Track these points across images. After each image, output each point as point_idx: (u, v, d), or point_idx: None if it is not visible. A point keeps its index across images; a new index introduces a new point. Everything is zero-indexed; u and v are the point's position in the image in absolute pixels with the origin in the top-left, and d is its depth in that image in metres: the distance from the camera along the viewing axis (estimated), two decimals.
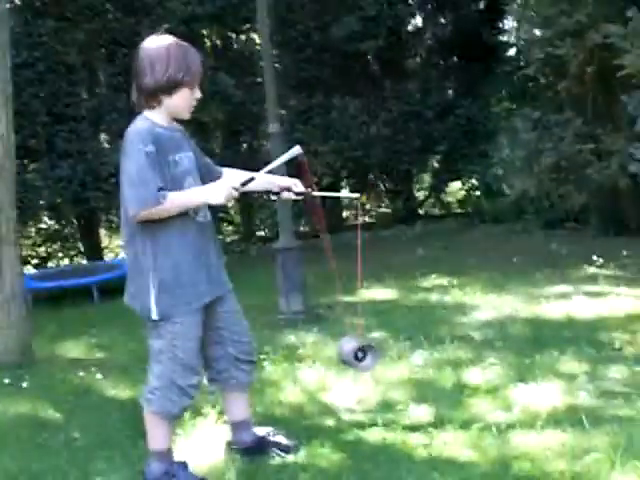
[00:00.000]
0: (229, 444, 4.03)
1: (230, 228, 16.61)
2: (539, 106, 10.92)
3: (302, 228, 14.50)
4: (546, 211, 11.37)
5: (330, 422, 4.35)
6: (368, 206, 18.74)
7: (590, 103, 10.29)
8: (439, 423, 4.13)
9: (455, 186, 17.55)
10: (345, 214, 17.92)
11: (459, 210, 16.54)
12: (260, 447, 3.94)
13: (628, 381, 4.66)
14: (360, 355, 3.79)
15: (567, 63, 10.00)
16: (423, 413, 4.34)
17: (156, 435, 3.74)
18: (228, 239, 15.80)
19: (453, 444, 3.89)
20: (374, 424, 4.21)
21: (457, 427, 4.08)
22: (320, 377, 5.17)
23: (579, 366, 4.98)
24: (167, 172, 3.49)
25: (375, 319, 6.75)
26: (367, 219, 18.48)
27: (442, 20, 17.16)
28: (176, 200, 3.47)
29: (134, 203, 3.41)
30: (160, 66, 3.49)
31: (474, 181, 16.02)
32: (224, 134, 15.80)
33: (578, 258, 8.44)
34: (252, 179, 3.68)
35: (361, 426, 4.22)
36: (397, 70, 16.65)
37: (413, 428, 4.11)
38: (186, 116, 3.65)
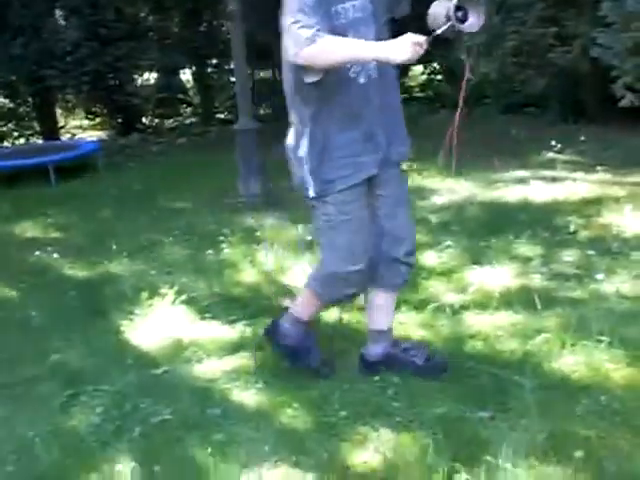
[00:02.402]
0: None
1: (189, 110, 16.37)
2: None
3: (262, 111, 14.33)
4: (506, 95, 11.29)
5: (288, 302, 4.38)
6: None
7: None
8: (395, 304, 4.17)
9: (417, 70, 17.35)
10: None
11: (420, 94, 16.39)
12: (388, 364, 3.52)
13: (581, 264, 4.74)
14: (460, 14, 3.06)
15: None
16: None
17: (306, 308, 3.54)
18: (187, 121, 15.58)
19: (408, 324, 3.96)
20: None
21: (412, 308, 4.14)
22: (278, 259, 5.19)
23: (533, 249, 5.05)
24: (332, 22, 3.03)
25: None
26: None
27: None
28: (342, 45, 2.98)
29: (294, 45, 2.96)
30: None
31: (436, 65, 15.83)
32: (182, 13, 15.38)
33: (537, 143, 8.43)
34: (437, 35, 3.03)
35: None
36: None
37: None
38: None
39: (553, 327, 3.76)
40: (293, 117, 3.26)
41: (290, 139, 3.30)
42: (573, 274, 4.56)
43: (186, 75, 17.05)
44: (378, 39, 3.07)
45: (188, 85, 17.12)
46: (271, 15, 3.40)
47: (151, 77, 16.41)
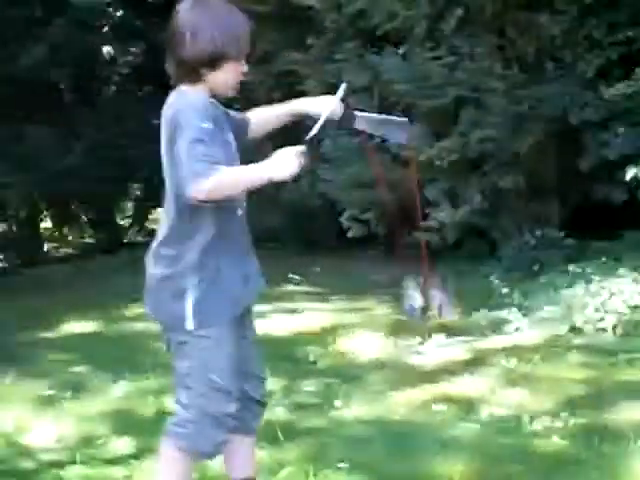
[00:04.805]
0: None
1: None
2: None
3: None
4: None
5: (27, 464, 4.20)
6: (70, 237, 18.25)
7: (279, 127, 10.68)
8: (140, 453, 4.11)
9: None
10: (46, 247, 17.35)
11: None
12: None
13: (321, 392, 4.89)
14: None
15: (256, 89, 10.34)
16: (124, 445, 4.31)
17: (171, 473, 3.11)
18: None
19: (154, 472, 3.90)
20: (73, 461, 4.12)
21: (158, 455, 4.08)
22: (17, 418, 4.98)
23: (276, 382, 5.15)
24: (222, 155, 2.88)
25: (77, 354, 6.58)
26: (71, 250, 18.00)
27: (134, 49, 17.18)
28: (239, 175, 2.87)
29: (188, 179, 2.75)
30: (200, 35, 2.91)
31: None
32: None
33: (276, 277, 8.70)
34: (315, 136, 2.91)
35: (60, 465, 4.11)
36: (91, 99, 16.43)
37: (114, 461, 4.07)
38: (230, 93, 3.05)
39: (296, 459, 3.84)
40: (174, 247, 3.01)
41: (163, 269, 3.04)
42: (314, 403, 4.70)
43: None
44: None
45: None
46: None
47: None
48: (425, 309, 2.98)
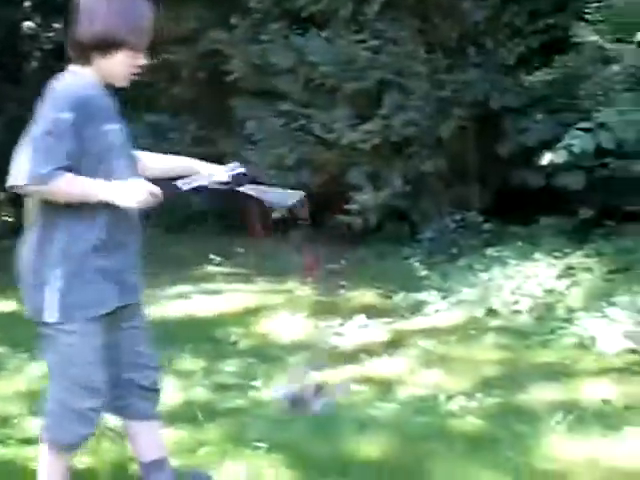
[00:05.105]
0: None
1: None
2: (157, 111, 11.10)
3: None
4: (166, 217, 11.48)
5: None
6: None
7: (205, 108, 10.64)
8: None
9: None
10: None
11: None
12: None
13: (241, 372, 4.91)
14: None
15: (181, 69, 10.27)
16: (40, 425, 4.25)
17: (50, 473, 3.04)
18: None
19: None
20: None
21: None
22: None
23: (196, 363, 5.16)
24: (93, 145, 2.82)
25: None
26: None
27: (57, 25, 16.88)
28: (77, 185, 2.78)
29: (21, 173, 2.72)
30: (98, 18, 2.83)
31: None
32: None
33: (199, 258, 8.68)
34: (179, 188, 3.01)
35: None
36: (14, 75, 16.13)
37: (29, 441, 4.00)
38: (121, 83, 2.97)
39: (215, 439, 3.86)
40: (40, 234, 2.92)
41: (28, 256, 2.96)
42: (234, 384, 4.72)
43: None
44: (134, 170, 3.00)
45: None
46: None
47: None
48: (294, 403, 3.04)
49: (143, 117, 10.53)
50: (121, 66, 2.91)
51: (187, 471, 3.43)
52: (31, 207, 2.96)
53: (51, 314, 2.87)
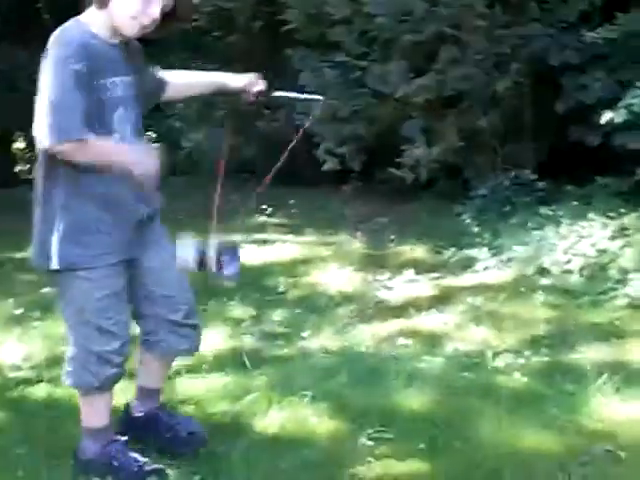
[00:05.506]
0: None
1: None
2: (213, 59, 11.07)
3: None
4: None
5: None
6: None
7: (259, 57, 10.59)
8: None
9: None
10: (17, 168, 17.18)
11: None
12: (149, 423, 3.36)
13: (289, 322, 4.96)
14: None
15: (235, 17, 10.21)
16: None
17: (88, 411, 3.16)
18: None
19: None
20: (40, 380, 4.17)
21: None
22: None
23: (245, 311, 5.21)
24: (94, 97, 2.83)
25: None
26: None
27: None
28: (101, 147, 2.85)
29: (54, 132, 2.74)
30: None
31: (152, 134, 15.94)
32: None
33: (249, 208, 8.70)
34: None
35: (27, 382, 4.16)
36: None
37: None
38: (127, 32, 2.91)
39: (261, 386, 3.90)
40: (45, 187, 2.98)
41: (37, 209, 3.02)
42: (281, 333, 4.76)
43: None
44: (137, 127, 3.06)
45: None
46: None
47: None
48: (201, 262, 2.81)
49: (196, 66, 10.51)
50: (127, 11, 2.84)
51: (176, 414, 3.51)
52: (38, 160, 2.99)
53: (54, 262, 2.93)
